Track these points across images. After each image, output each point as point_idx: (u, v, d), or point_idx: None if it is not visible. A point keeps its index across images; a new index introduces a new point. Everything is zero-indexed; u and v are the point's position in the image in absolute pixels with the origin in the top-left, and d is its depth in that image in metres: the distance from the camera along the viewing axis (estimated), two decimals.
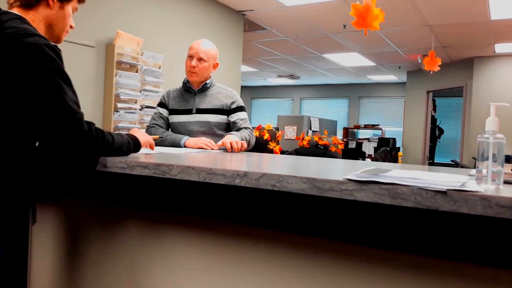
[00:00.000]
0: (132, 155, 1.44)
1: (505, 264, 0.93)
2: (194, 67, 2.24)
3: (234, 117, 2.31)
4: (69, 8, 1.32)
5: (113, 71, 3.53)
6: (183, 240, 1.39)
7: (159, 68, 3.97)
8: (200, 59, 2.25)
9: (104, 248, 1.55)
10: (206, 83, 2.33)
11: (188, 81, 2.35)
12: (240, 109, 2.34)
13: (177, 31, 4.35)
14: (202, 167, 1.15)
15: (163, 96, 2.42)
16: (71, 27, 1.37)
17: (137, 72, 3.76)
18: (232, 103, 2.32)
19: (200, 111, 2.30)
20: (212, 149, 2.13)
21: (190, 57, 2.27)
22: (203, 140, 2.16)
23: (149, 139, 1.55)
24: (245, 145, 2.15)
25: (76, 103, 1.17)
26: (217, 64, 2.35)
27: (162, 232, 1.43)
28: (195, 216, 1.36)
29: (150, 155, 1.51)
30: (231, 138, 2.07)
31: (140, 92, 3.76)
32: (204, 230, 1.35)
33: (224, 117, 2.31)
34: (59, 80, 1.13)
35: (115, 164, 1.29)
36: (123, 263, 1.51)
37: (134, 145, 1.43)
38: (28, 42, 1.10)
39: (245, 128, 2.29)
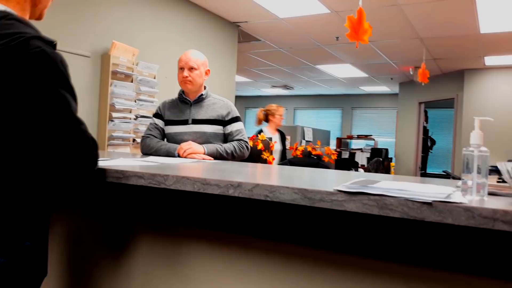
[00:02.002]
0: (128, 165, 1.46)
1: (489, 272, 0.97)
2: (186, 77, 2.29)
3: (229, 128, 2.35)
4: None
5: (108, 81, 3.56)
6: (178, 249, 1.41)
7: (154, 78, 4.01)
8: (191, 68, 2.30)
9: (97, 260, 1.57)
10: (202, 94, 2.37)
11: (183, 92, 2.39)
12: (235, 120, 2.37)
13: (172, 42, 4.40)
14: (196, 178, 1.17)
15: (159, 107, 2.45)
16: None
17: (132, 82, 3.79)
18: (228, 113, 2.35)
19: (196, 121, 2.33)
20: (204, 159, 2.16)
21: (181, 69, 2.32)
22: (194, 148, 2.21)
23: None
24: (214, 157, 2.21)
25: (76, 113, 1.14)
26: (209, 70, 2.40)
27: (156, 242, 1.45)
28: (189, 226, 1.38)
29: (146, 166, 1.53)
30: (190, 146, 2.18)
31: (135, 101, 3.79)
32: (198, 240, 1.37)
33: (220, 127, 2.34)
34: (63, 92, 1.10)
35: (111, 174, 1.31)
36: (118, 273, 1.52)
37: None
38: (34, 52, 1.05)
39: (238, 140, 2.33)
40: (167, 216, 1.44)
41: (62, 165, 1.13)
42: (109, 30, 3.68)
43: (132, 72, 3.78)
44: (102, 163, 1.47)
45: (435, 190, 1.00)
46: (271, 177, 1.47)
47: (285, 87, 10.52)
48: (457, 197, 0.94)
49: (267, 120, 4.76)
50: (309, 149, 5.15)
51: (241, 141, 2.33)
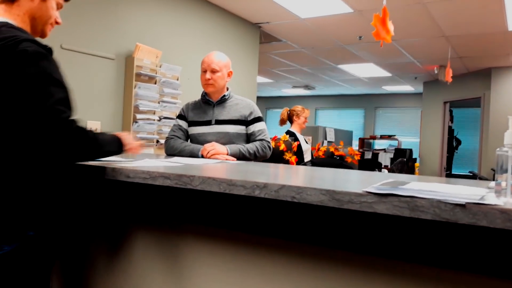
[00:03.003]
0: (154, 166, 1.47)
1: None
2: (208, 79, 2.30)
3: (251, 128, 2.35)
4: (51, 1, 1.37)
5: (132, 83, 3.61)
6: (203, 250, 1.41)
7: (177, 79, 4.05)
8: (213, 71, 2.31)
9: (119, 260, 1.59)
10: (224, 95, 2.38)
11: (206, 93, 2.40)
12: (257, 120, 2.37)
13: (194, 44, 4.43)
14: (222, 178, 1.17)
15: (182, 109, 2.47)
16: (57, 23, 1.41)
17: (155, 83, 3.84)
18: (250, 114, 2.36)
19: (219, 122, 2.34)
20: (227, 159, 2.16)
21: (204, 71, 2.33)
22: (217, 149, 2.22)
23: (134, 142, 1.52)
24: (236, 158, 2.22)
25: (65, 104, 1.19)
26: (231, 72, 2.40)
27: (180, 242, 1.46)
28: (213, 226, 1.38)
29: (171, 166, 1.54)
30: (214, 147, 2.20)
31: (159, 103, 3.83)
32: (223, 241, 1.37)
33: (243, 127, 2.35)
34: (46, 84, 1.17)
35: (138, 174, 1.33)
36: (140, 272, 1.54)
37: (118, 144, 1.44)
38: (18, 49, 1.16)
39: (260, 140, 2.33)
40: (192, 217, 1.44)
41: (45, 151, 1.19)
42: (133, 32, 3.74)
43: (156, 74, 3.82)
44: (128, 164, 1.49)
45: (468, 192, 0.98)
46: (296, 178, 1.46)
47: (306, 87, 10.47)
48: (491, 198, 0.91)
49: (290, 121, 4.66)
50: (332, 149, 5.11)
51: (264, 141, 2.33)
